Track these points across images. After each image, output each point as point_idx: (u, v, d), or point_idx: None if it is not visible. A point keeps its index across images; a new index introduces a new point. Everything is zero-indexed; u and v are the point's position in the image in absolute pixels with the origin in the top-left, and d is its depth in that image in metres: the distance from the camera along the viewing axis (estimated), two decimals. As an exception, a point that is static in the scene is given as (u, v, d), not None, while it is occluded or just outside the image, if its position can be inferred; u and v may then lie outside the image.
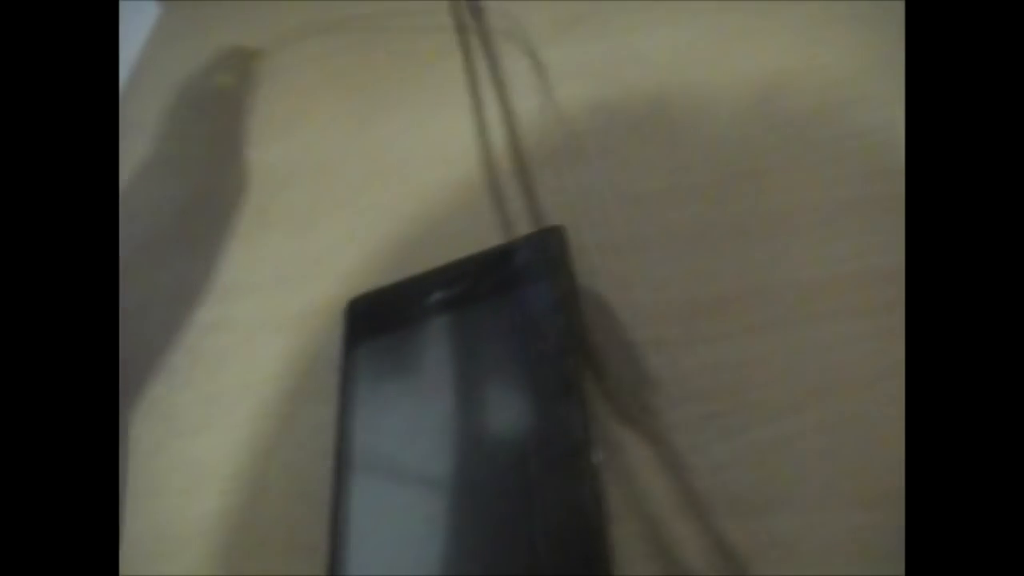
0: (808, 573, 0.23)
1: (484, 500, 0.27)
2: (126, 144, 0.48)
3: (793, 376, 0.26)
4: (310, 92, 0.45)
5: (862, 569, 0.23)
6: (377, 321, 0.33)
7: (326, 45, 0.47)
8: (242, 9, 0.53)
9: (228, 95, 0.48)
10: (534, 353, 0.28)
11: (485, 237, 0.34)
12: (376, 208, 0.38)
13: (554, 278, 0.30)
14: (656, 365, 0.28)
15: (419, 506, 0.27)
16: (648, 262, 0.30)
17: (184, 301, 0.39)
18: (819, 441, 0.25)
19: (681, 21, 0.37)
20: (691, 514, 0.25)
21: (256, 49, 0.49)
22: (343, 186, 0.40)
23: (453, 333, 0.31)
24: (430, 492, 0.28)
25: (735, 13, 0.36)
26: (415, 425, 0.29)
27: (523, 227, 0.33)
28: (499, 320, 0.30)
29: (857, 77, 0.32)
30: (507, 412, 0.28)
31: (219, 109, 0.47)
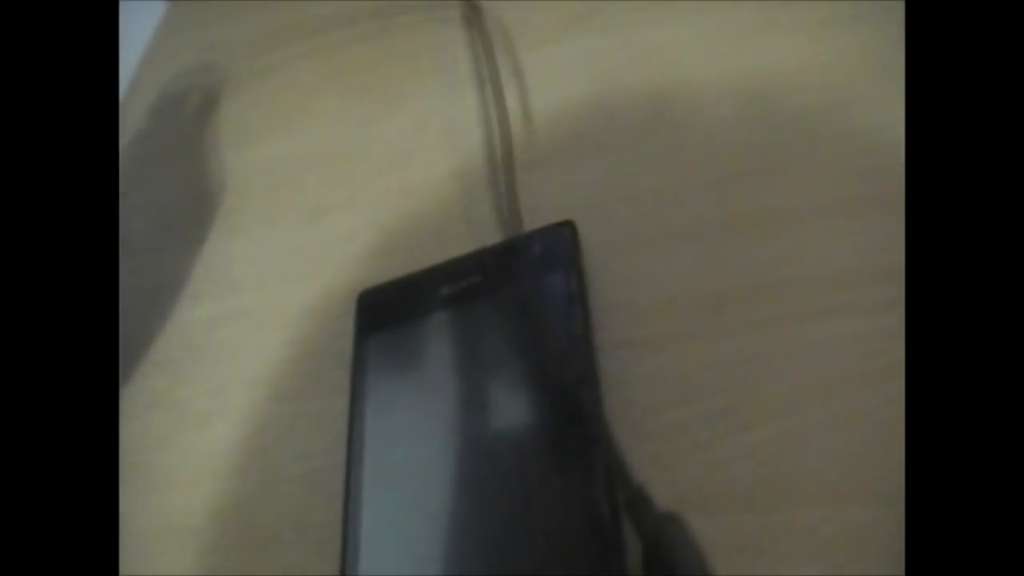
0: (810, 572, 0.23)
1: (496, 494, 0.27)
2: (128, 140, 0.48)
3: (796, 374, 0.26)
4: (313, 89, 0.45)
5: (865, 568, 0.23)
6: (388, 314, 0.33)
7: (328, 42, 0.47)
8: (246, 8, 0.53)
9: (231, 91, 0.48)
10: (547, 347, 0.28)
11: (488, 234, 0.34)
12: (380, 203, 0.38)
13: (567, 272, 0.30)
14: (657, 363, 0.28)
15: (431, 499, 0.27)
16: (649, 260, 0.31)
17: (189, 296, 0.39)
18: (821, 439, 0.25)
19: (684, 20, 0.37)
20: (692, 512, 0.25)
21: (259, 46, 0.49)
22: (348, 181, 0.40)
23: (464, 326, 0.31)
24: (442, 485, 0.27)
25: (738, 12, 0.36)
26: (426, 418, 0.29)
27: (526, 224, 0.33)
28: (511, 313, 0.30)
29: (858, 76, 0.32)
30: (519, 406, 0.28)
31: (222, 105, 0.47)
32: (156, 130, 0.48)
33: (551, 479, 0.26)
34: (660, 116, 0.34)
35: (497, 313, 0.30)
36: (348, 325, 0.33)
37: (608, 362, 0.29)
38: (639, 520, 0.24)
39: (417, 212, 0.37)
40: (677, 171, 0.32)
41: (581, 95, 0.36)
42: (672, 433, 0.27)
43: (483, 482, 0.27)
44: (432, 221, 0.36)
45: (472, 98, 0.40)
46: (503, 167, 0.35)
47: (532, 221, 0.32)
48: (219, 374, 0.36)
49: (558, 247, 0.31)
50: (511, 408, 0.28)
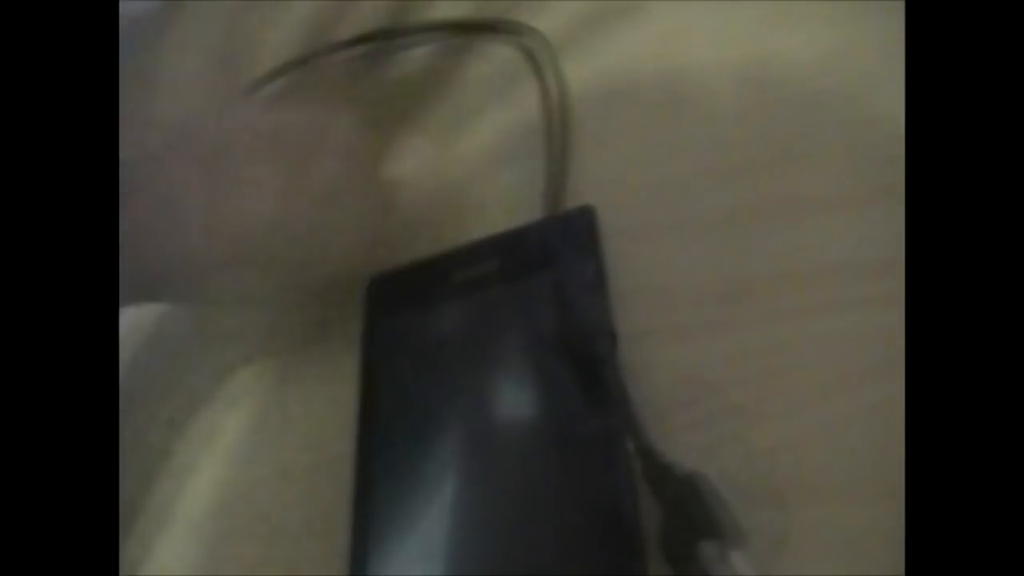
0: (810, 571, 0.23)
1: (511, 484, 0.26)
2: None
3: (814, 367, 0.26)
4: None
5: (865, 566, 0.22)
6: (399, 299, 0.32)
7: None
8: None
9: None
10: (565, 334, 0.28)
11: (507, 219, 0.33)
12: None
13: (586, 258, 0.29)
14: (675, 353, 0.28)
15: (443, 489, 0.27)
16: (667, 248, 0.30)
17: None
18: (832, 434, 0.25)
19: (700, 7, 0.36)
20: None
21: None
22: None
23: (478, 313, 0.30)
24: (455, 475, 0.27)
25: (751, 8, 0.35)
26: (438, 407, 0.28)
27: (545, 211, 0.32)
28: (527, 300, 0.29)
29: (877, 65, 0.31)
30: (535, 394, 0.27)
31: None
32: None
33: (567, 469, 0.25)
34: (678, 103, 0.34)
35: (513, 299, 0.30)
36: (359, 310, 0.33)
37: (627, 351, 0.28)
38: (660, 484, 0.23)
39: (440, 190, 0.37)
40: (695, 159, 0.32)
41: (599, 82, 0.36)
42: (673, 433, 0.26)
43: (496, 472, 0.26)
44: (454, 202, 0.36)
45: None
46: (527, 152, 0.34)
47: (554, 205, 0.32)
48: (227, 357, 0.36)
49: (578, 232, 0.30)
50: (525, 396, 0.28)
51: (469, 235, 0.33)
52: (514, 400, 0.28)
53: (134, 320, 0.39)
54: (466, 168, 0.37)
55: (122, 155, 0.24)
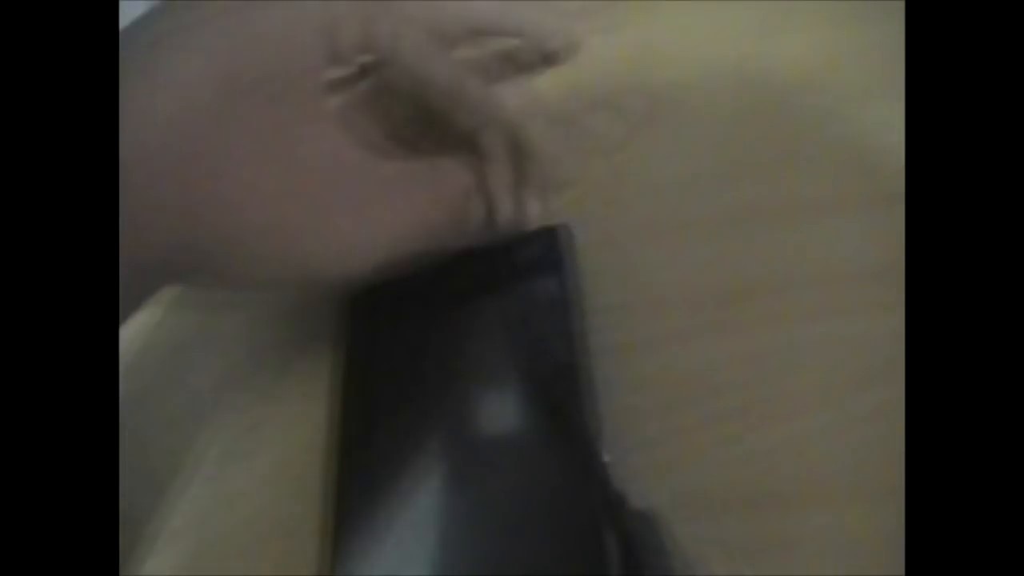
0: (810, 572, 0.23)
1: (488, 498, 0.27)
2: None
3: (804, 372, 0.26)
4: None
5: (866, 567, 0.22)
6: (380, 316, 0.32)
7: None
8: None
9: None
10: (540, 351, 0.28)
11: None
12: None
13: (557, 276, 0.30)
14: (664, 361, 0.28)
15: (421, 502, 0.27)
16: (654, 257, 0.30)
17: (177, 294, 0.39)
18: (831, 438, 0.25)
19: (693, 13, 0.36)
20: (698, 513, 0.25)
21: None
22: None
23: (455, 329, 0.31)
24: (433, 489, 0.27)
25: (751, 6, 0.35)
26: (417, 421, 0.29)
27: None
28: (503, 316, 0.30)
29: (871, 73, 0.31)
30: (512, 409, 0.28)
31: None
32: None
33: (540, 483, 0.26)
34: (670, 110, 0.34)
35: (489, 316, 0.30)
36: (341, 327, 0.33)
37: (610, 363, 0.28)
38: (616, 521, 0.24)
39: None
40: (691, 163, 0.32)
41: (590, 88, 0.36)
42: (674, 436, 0.26)
43: (475, 486, 0.27)
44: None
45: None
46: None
47: (541, 216, 0.32)
48: (208, 372, 0.36)
49: (550, 250, 0.30)
50: (504, 411, 0.28)
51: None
52: (489, 416, 0.28)
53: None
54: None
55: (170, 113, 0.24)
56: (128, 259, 0.24)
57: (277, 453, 0.32)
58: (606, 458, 0.25)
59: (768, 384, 0.26)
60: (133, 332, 0.38)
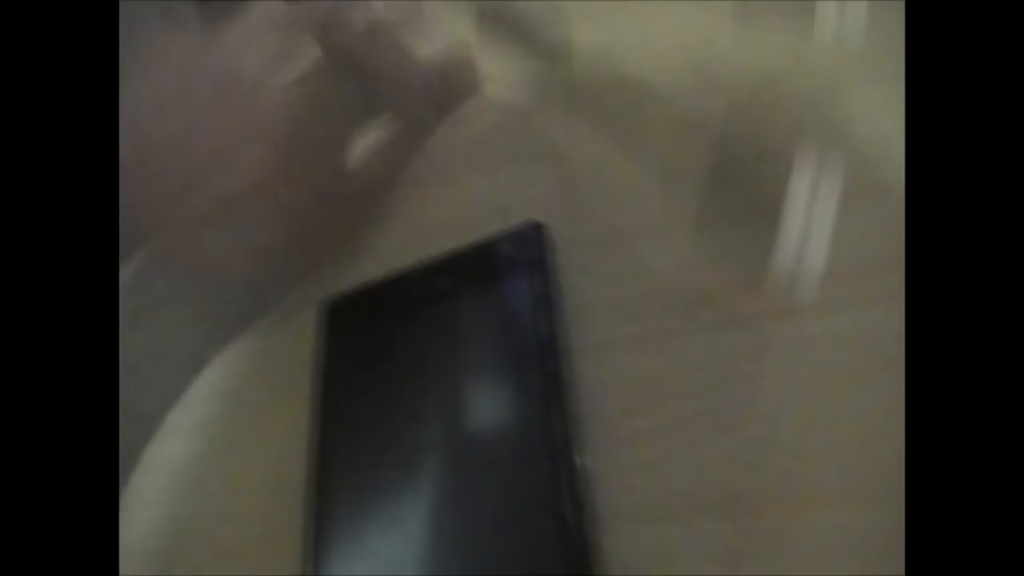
0: (810, 572, 0.23)
1: (463, 501, 0.27)
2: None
3: (788, 370, 0.26)
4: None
5: (861, 568, 0.22)
6: (354, 320, 0.32)
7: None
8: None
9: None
10: (515, 352, 0.28)
11: (467, 233, 0.33)
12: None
13: (534, 275, 0.29)
14: (637, 363, 0.28)
15: (397, 507, 0.27)
16: (628, 256, 0.30)
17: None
18: (815, 437, 0.25)
19: (659, 11, 0.36)
20: (683, 514, 0.25)
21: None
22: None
23: (432, 332, 0.30)
24: (408, 493, 0.27)
25: (713, 11, 0.35)
26: (393, 425, 0.29)
27: (500, 223, 0.32)
28: (479, 318, 0.30)
29: (843, 67, 0.31)
30: (487, 412, 0.28)
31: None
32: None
33: (519, 487, 0.26)
34: (640, 109, 0.33)
35: (465, 317, 0.30)
36: (319, 331, 0.33)
37: (587, 363, 0.28)
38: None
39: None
40: (657, 166, 0.32)
41: (571, 84, 0.36)
42: (653, 436, 0.26)
43: (450, 489, 0.27)
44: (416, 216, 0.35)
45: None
46: (487, 162, 0.34)
47: (506, 219, 0.32)
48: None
49: (526, 249, 0.30)
50: (479, 414, 0.28)
51: (421, 253, 0.32)
52: (470, 417, 0.28)
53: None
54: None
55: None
56: None
57: (255, 459, 0.32)
58: (577, 461, 0.25)
59: (764, 382, 0.26)
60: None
